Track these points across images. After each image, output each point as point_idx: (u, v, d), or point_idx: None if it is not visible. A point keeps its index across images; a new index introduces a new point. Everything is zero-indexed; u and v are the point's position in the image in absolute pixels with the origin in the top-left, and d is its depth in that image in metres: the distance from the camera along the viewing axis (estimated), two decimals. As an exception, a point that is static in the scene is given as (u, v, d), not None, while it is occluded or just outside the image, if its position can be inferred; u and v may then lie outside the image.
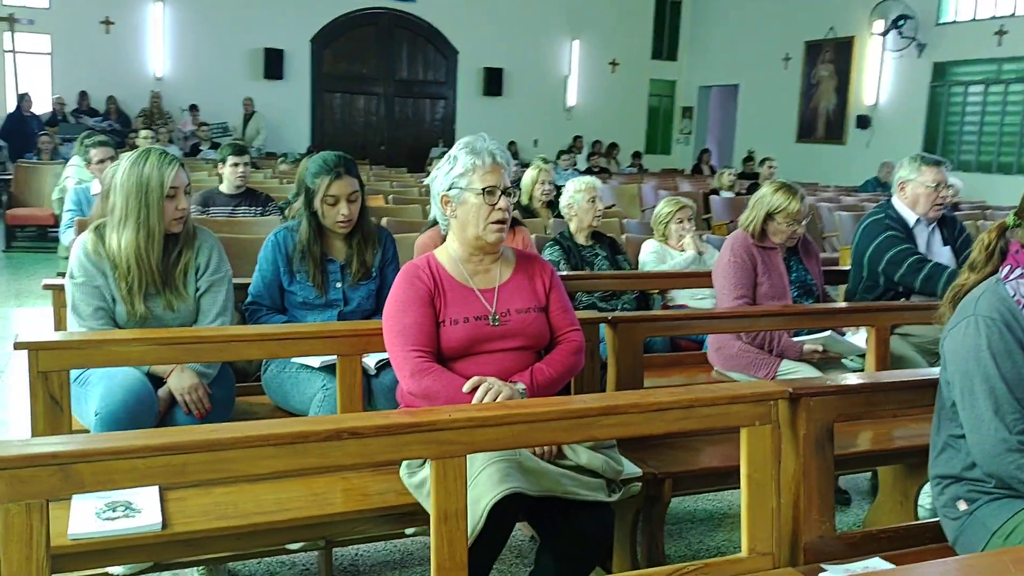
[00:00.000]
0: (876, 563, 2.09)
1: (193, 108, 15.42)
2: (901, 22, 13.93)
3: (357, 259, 3.09)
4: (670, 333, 4.04)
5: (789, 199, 3.66)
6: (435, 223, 3.44)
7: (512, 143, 17.90)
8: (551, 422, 1.87)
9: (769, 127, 17.11)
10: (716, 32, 18.62)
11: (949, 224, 4.08)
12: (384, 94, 17.98)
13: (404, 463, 2.33)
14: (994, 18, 13.14)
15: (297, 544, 2.48)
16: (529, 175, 6.54)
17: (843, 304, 3.64)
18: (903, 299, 3.90)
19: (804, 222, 3.71)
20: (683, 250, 4.91)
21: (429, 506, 1.81)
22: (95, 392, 2.58)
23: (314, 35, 16.86)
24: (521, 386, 2.33)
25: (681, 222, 4.93)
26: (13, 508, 1.45)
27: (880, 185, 12.37)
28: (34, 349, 2.21)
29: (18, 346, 2.20)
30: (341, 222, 3.04)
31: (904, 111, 14.56)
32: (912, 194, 3.95)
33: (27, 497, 1.46)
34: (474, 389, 2.27)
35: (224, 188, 5.70)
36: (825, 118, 16.15)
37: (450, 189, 2.43)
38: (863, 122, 15.26)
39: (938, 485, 2.18)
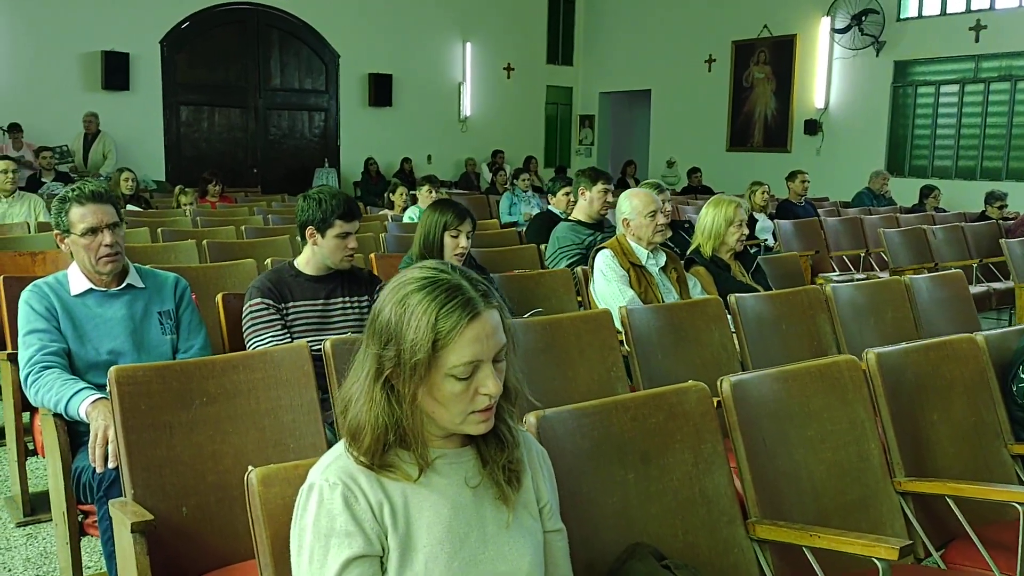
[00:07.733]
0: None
1: (14, 128, 11.77)
2: (864, 18, 12.80)
3: None
4: None
5: None
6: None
7: (407, 160, 15.46)
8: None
9: (692, 135, 15.69)
10: (617, 35, 17.03)
11: None
12: (254, 106, 14.97)
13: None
14: (968, 12, 12.25)
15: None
16: (715, 215, 4.40)
17: None
18: None
19: None
20: None
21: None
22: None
23: (164, 36, 13.66)
24: None
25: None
26: None
27: (875, 197, 11.06)
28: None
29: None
30: None
31: (861, 114, 13.46)
32: None
33: None
34: None
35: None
36: (763, 124, 14.87)
37: None
38: (812, 127, 14.06)
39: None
